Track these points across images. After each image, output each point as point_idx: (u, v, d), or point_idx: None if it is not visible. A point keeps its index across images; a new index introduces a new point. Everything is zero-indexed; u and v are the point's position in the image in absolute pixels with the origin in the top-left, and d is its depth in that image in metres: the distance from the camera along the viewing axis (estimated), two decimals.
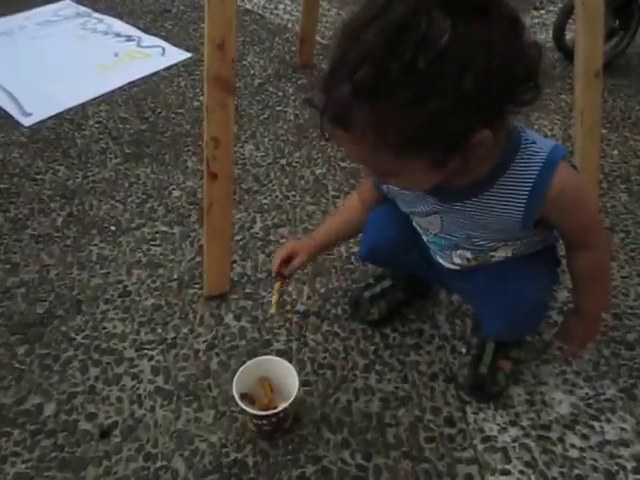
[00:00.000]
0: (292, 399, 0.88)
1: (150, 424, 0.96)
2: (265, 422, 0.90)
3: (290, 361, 1.04)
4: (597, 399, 1.00)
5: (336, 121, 0.62)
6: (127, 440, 0.94)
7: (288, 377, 0.92)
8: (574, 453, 0.93)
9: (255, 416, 0.89)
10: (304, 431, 0.95)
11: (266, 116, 1.70)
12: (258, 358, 0.95)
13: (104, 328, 1.11)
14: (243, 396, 0.90)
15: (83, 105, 1.76)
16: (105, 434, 0.95)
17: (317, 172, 1.49)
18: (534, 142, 0.72)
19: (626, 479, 0.89)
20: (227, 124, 1.01)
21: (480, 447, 0.93)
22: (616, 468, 0.91)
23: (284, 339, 1.08)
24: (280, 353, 1.05)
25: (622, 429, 0.96)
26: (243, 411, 0.89)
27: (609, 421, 0.97)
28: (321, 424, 0.96)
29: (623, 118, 1.72)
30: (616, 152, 1.58)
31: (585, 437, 0.95)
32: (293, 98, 1.78)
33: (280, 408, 0.88)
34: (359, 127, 0.60)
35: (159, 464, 0.91)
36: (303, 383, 1.01)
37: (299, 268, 1.03)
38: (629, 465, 0.91)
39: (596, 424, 0.97)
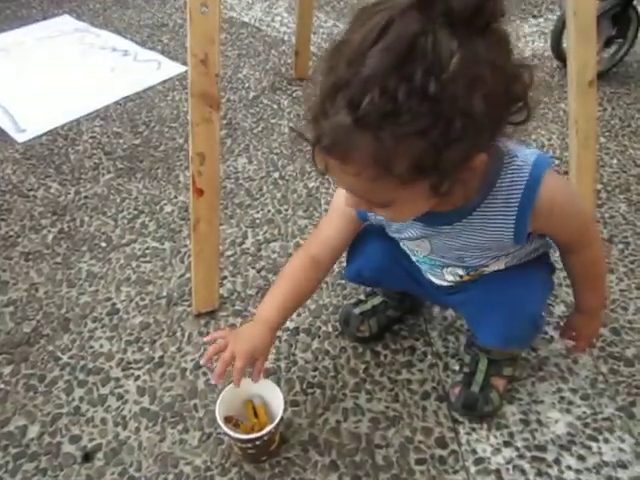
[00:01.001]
0: (277, 421, 0.86)
1: (134, 446, 0.94)
2: (250, 445, 0.87)
3: (278, 380, 1.02)
4: (595, 418, 0.97)
5: (333, 151, 0.57)
6: (110, 464, 0.92)
7: (274, 398, 0.90)
8: (570, 475, 0.90)
9: (240, 440, 0.87)
10: (291, 453, 0.92)
11: (260, 129, 1.69)
12: (242, 379, 0.92)
13: (91, 347, 1.09)
14: (228, 419, 0.88)
15: (78, 120, 1.75)
16: (88, 457, 0.93)
17: (310, 185, 1.47)
18: (516, 156, 0.70)
19: None
20: (212, 139, 1.00)
21: (472, 469, 0.91)
22: None
23: (273, 357, 1.06)
24: (268, 372, 1.03)
25: (620, 450, 0.93)
26: (226, 434, 0.87)
27: (607, 441, 0.94)
28: (309, 446, 0.93)
29: (622, 127, 1.69)
30: (615, 161, 1.55)
31: (582, 458, 0.92)
32: (288, 110, 1.77)
33: (265, 431, 0.85)
34: (359, 157, 0.56)
35: None
36: (291, 403, 0.99)
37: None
38: None
39: (593, 444, 0.94)
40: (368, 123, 0.53)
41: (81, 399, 1.01)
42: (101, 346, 1.09)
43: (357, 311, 1.07)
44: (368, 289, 1.13)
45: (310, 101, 0.59)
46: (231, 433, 0.85)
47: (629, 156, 1.57)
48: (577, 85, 1.14)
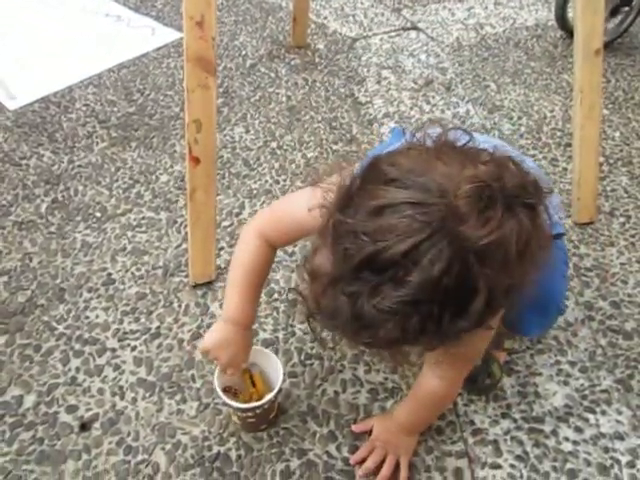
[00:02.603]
0: (276, 390, 0.85)
1: (131, 417, 0.93)
2: (250, 414, 0.87)
3: (277, 351, 1.01)
4: (592, 390, 0.97)
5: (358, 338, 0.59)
6: (107, 433, 0.91)
7: (272, 368, 0.89)
8: (567, 446, 0.90)
9: (238, 409, 0.86)
10: (290, 424, 0.92)
11: (257, 98, 1.65)
12: None
13: (87, 317, 1.08)
14: (226, 389, 0.88)
15: (70, 88, 1.71)
16: (85, 427, 0.92)
17: (309, 155, 1.44)
18: None
19: (620, 473, 0.87)
20: (209, 106, 0.97)
21: (470, 440, 0.91)
22: (610, 462, 0.88)
23: (271, 329, 1.05)
24: (266, 343, 1.03)
25: (617, 422, 0.93)
26: (226, 404, 0.87)
27: (604, 413, 0.94)
28: (307, 416, 0.93)
29: (626, 99, 1.66)
30: (618, 134, 1.53)
31: (579, 430, 0.92)
32: (286, 79, 1.73)
33: (264, 400, 0.85)
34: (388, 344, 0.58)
35: (140, 458, 0.89)
36: (290, 374, 0.98)
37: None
38: (624, 459, 0.88)
39: (591, 416, 0.94)
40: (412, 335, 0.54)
41: (77, 369, 1.00)
42: (97, 316, 1.08)
43: None
44: None
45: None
46: (232, 403, 0.84)
47: (632, 129, 1.55)
48: (583, 54, 1.11)
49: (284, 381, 0.87)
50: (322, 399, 0.95)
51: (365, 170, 0.58)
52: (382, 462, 0.86)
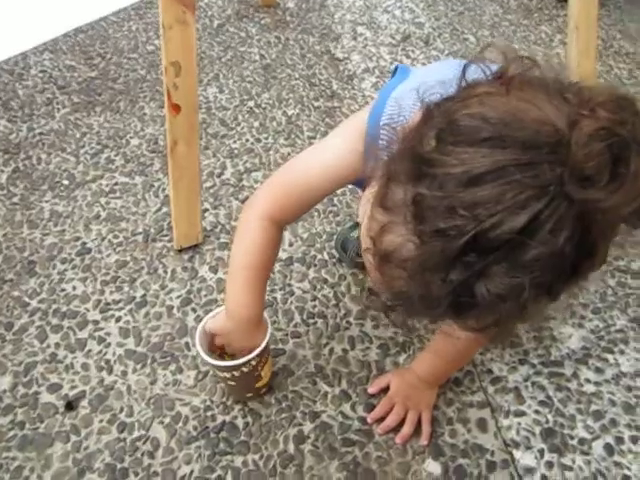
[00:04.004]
0: (257, 351, 0.73)
1: (122, 391, 0.85)
2: (228, 376, 0.76)
3: (276, 312, 0.94)
4: (608, 331, 0.94)
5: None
6: (97, 411, 0.83)
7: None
8: (590, 388, 0.86)
9: (215, 367, 0.75)
10: (298, 386, 0.85)
11: (229, 57, 1.55)
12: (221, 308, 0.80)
13: (63, 290, 0.98)
14: (216, 349, 0.78)
15: (24, 54, 1.57)
16: (72, 406, 0.83)
17: (289, 113, 1.36)
18: None
19: None
20: (188, 45, 0.87)
21: (490, 389, 0.86)
22: (635, 400, 0.85)
23: (268, 289, 0.97)
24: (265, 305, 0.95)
25: (637, 360, 0.90)
26: (207, 364, 0.78)
27: (622, 352, 0.91)
28: (316, 377, 0.86)
29: (605, 47, 1.64)
30: (602, 81, 1.50)
31: (599, 371, 0.88)
32: (257, 38, 1.63)
33: (242, 360, 0.73)
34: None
35: (136, 434, 0.80)
36: (292, 335, 0.91)
37: None
38: None
39: (609, 356, 0.90)
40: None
41: (57, 345, 0.90)
42: (74, 288, 0.98)
43: (354, 235, 1.00)
44: None
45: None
46: (204, 356, 0.74)
47: (615, 75, 1.52)
48: None
49: (269, 344, 0.77)
50: (330, 358, 0.89)
51: (437, 125, 0.45)
52: (401, 419, 0.80)
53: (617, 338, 0.93)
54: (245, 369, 0.75)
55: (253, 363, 0.75)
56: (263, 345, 0.74)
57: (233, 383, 0.79)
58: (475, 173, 0.41)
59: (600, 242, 0.44)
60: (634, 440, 0.81)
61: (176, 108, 0.91)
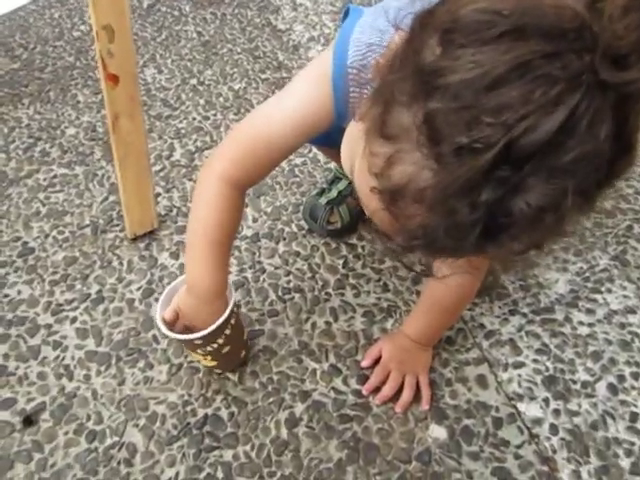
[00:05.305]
0: (227, 312, 0.67)
1: (87, 397, 0.76)
2: (199, 348, 0.69)
3: (249, 292, 0.87)
4: (592, 271, 0.91)
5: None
6: (61, 422, 0.73)
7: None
8: (584, 330, 0.83)
9: (177, 340, 0.69)
10: (283, 366, 0.78)
11: (164, 37, 1.45)
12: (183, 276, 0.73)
13: (6, 296, 0.87)
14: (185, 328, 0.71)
15: None
16: (30, 421, 0.74)
17: (236, 87, 1.28)
18: None
19: None
20: (121, 6, 0.78)
21: (485, 344, 0.82)
22: (630, 337, 0.83)
23: (236, 269, 0.90)
24: (236, 286, 0.88)
25: (625, 297, 0.88)
26: (166, 337, 0.72)
27: (610, 291, 0.89)
28: (301, 354, 0.80)
29: None
30: None
31: (591, 312, 0.86)
32: (192, 16, 1.54)
33: (205, 332, 0.66)
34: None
35: (109, 442, 0.72)
36: (269, 313, 0.84)
37: None
38: None
39: (598, 296, 0.88)
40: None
41: (6, 356, 0.80)
42: (19, 292, 0.88)
43: (323, 201, 0.93)
44: (330, 175, 0.99)
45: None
46: (164, 329, 0.67)
47: None
48: None
49: (235, 302, 0.70)
50: (314, 333, 0.82)
51: (439, 29, 0.38)
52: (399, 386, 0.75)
53: (602, 277, 0.90)
54: (217, 345, 0.69)
55: (223, 326, 0.67)
56: (231, 305, 0.68)
57: (212, 355, 0.71)
58: (496, 73, 0.35)
59: (636, 135, 0.38)
60: (635, 376, 0.78)
61: (113, 78, 0.81)
